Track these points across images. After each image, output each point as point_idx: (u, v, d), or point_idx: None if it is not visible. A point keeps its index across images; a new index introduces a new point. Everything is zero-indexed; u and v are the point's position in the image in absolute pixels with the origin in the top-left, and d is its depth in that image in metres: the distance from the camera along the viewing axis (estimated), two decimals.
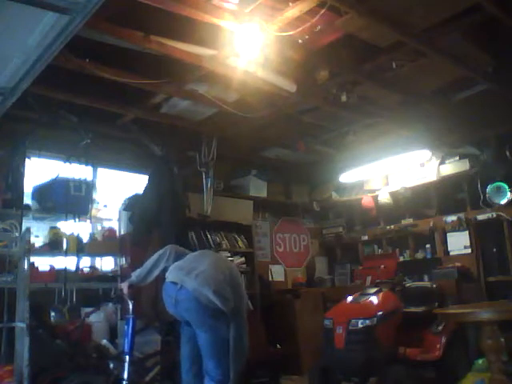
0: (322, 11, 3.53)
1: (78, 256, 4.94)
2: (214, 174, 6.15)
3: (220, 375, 3.09)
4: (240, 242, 6.24)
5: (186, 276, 3.16)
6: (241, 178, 6.92)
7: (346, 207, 7.68)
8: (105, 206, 5.75)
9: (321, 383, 4.32)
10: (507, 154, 5.75)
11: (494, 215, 5.94)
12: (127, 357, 3.29)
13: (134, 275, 3.39)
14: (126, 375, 3.25)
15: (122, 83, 4.34)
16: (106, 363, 3.67)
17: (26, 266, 3.75)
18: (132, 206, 5.39)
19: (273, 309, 6.01)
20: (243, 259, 6.10)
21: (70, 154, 5.05)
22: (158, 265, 3.37)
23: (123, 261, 5.19)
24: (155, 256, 3.41)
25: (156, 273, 3.37)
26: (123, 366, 3.28)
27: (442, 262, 6.26)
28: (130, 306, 3.40)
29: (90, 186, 5.27)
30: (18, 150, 4.91)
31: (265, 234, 7.22)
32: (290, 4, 3.50)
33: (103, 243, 5.25)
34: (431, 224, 6.53)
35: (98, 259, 5.47)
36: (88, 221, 5.39)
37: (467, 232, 6.19)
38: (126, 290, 3.40)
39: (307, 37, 3.93)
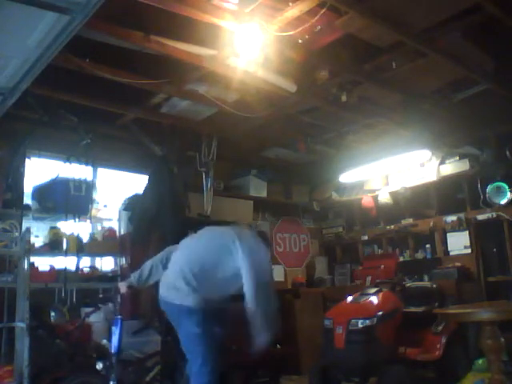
0: (322, 11, 3.53)
1: (78, 256, 4.94)
2: (213, 174, 6.15)
3: (194, 368, 3.12)
4: None
5: (163, 280, 3.31)
6: (241, 178, 6.92)
7: (346, 207, 7.68)
8: (105, 205, 5.74)
9: (321, 383, 4.32)
10: (507, 153, 5.74)
11: (494, 215, 5.94)
12: (114, 358, 3.29)
13: (134, 278, 3.40)
14: (113, 376, 3.25)
15: (122, 83, 4.34)
16: (94, 363, 3.65)
17: (25, 266, 3.75)
18: (132, 206, 5.39)
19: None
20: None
21: (69, 153, 5.05)
22: (158, 269, 3.40)
23: (123, 261, 5.19)
24: (153, 261, 3.44)
25: (156, 277, 3.40)
26: (111, 367, 3.28)
27: (442, 262, 6.26)
28: (117, 307, 3.40)
29: (90, 186, 5.27)
30: (18, 150, 4.92)
31: None
32: (290, 4, 3.51)
33: (103, 243, 5.26)
34: (431, 224, 6.53)
35: (98, 259, 5.47)
36: (88, 221, 5.39)
37: (467, 232, 6.18)
38: (123, 290, 3.40)
39: (307, 37, 3.93)
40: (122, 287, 3.41)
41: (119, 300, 3.41)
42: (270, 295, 3.17)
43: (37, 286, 4.22)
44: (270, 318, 3.12)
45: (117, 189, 5.92)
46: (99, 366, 3.36)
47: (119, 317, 3.36)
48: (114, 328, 3.35)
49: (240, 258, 3.15)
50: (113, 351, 3.32)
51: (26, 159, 5.04)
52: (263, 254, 3.29)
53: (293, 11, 3.52)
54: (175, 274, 3.23)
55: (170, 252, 3.46)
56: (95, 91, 4.63)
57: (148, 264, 3.43)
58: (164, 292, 3.24)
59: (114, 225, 5.57)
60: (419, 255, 6.64)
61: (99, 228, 5.56)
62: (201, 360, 3.09)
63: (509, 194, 5.78)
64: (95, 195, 5.59)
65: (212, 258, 3.25)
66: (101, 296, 4.51)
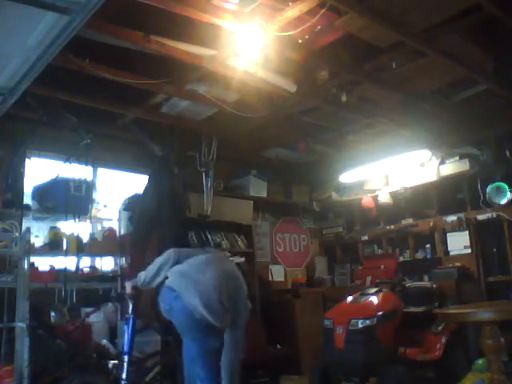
0: (322, 11, 3.53)
1: (77, 256, 4.94)
2: (213, 174, 6.15)
3: (207, 374, 3.11)
4: (240, 242, 6.24)
5: (186, 287, 3.16)
6: (241, 178, 6.92)
7: (345, 207, 7.67)
8: (105, 206, 5.75)
9: (321, 383, 4.33)
10: (507, 153, 5.74)
11: (494, 215, 5.94)
12: (126, 357, 3.29)
13: (139, 279, 3.35)
14: (124, 375, 3.25)
15: (122, 83, 4.34)
16: (105, 363, 3.66)
17: (26, 266, 3.75)
18: (132, 206, 5.39)
19: (273, 309, 6.01)
20: (243, 259, 6.08)
21: (69, 154, 5.05)
22: (162, 271, 3.33)
23: (123, 261, 5.19)
24: (159, 261, 3.36)
25: (160, 279, 3.32)
26: (122, 366, 3.28)
27: (442, 262, 6.26)
28: (130, 306, 3.40)
29: (90, 186, 5.27)
30: (17, 150, 4.91)
31: (265, 234, 7.21)
32: (290, 4, 3.50)
33: (103, 243, 5.25)
34: (431, 224, 6.53)
35: (98, 259, 5.47)
36: (88, 221, 5.40)
37: (467, 232, 6.18)
38: (129, 290, 3.40)
39: (307, 37, 3.93)
40: (128, 287, 3.41)
41: (131, 299, 3.39)
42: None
43: (37, 286, 4.22)
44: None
45: (117, 189, 5.92)
46: (110, 364, 3.36)
47: (131, 316, 3.36)
48: (125, 327, 3.35)
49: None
50: (125, 350, 3.32)
51: (26, 159, 5.04)
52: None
53: (293, 11, 3.52)
54: (214, 297, 3.13)
55: (177, 256, 3.37)
56: (95, 91, 4.63)
57: (153, 268, 3.34)
58: (196, 305, 3.09)
59: (114, 225, 5.56)
60: (419, 255, 6.64)
61: (99, 228, 5.56)
62: (214, 373, 3.13)
63: (509, 193, 5.78)
64: (95, 195, 5.59)
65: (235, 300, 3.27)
66: (113, 295, 4.51)
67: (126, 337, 3.33)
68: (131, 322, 3.34)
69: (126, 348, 3.32)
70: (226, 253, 3.86)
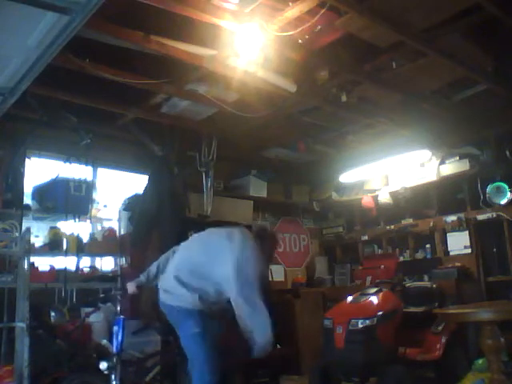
0: (322, 11, 3.54)
1: (77, 256, 4.94)
2: (213, 173, 6.15)
3: (196, 368, 3.10)
4: None
5: (160, 282, 3.32)
6: (241, 178, 6.92)
7: (345, 207, 7.67)
8: (105, 206, 5.75)
9: (321, 383, 4.32)
10: (507, 153, 5.74)
11: (494, 215, 5.94)
12: (116, 358, 3.29)
13: (143, 276, 3.45)
14: (114, 375, 3.25)
15: (122, 83, 4.34)
16: (94, 363, 3.65)
17: (26, 266, 3.75)
18: (132, 206, 5.39)
19: (273, 309, 6.00)
20: None
21: (69, 154, 5.05)
22: (161, 263, 3.45)
23: (123, 261, 5.19)
24: (163, 258, 3.47)
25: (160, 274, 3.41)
26: (113, 367, 3.28)
27: (442, 261, 6.26)
28: (118, 307, 3.40)
29: (90, 186, 5.27)
30: (18, 150, 4.92)
31: None
32: (290, 4, 3.51)
33: (103, 243, 5.25)
34: (431, 224, 6.53)
35: (98, 259, 5.47)
36: (88, 221, 5.40)
37: (467, 232, 6.18)
38: (131, 290, 3.42)
39: (307, 37, 3.93)
40: (131, 287, 3.42)
41: (121, 300, 3.40)
42: (259, 309, 3.16)
43: (37, 286, 4.22)
44: (264, 327, 3.15)
45: (117, 189, 5.92)
46: (103, 365, 3.35)
47: (121, 317, 3.36)
48: (115, 328, 3.35)
49: (231, 278, 3.11)
50: (115, 351, 3.32)
51: (26, 159, 5.05)
52: (252, 268, 3.17)
53: (293, 11, 3.52)
54: (171, 276, 3.23)
55: (174, 252, 3.49)
56: (95, 91, 4.63)
57: (155, 264, 3.48)
58: (162, 294, 3.25)
59: (114, 225, 5.56)
60: (419, 255, 6.65)
61: (99, 228, 5.56)
62: (202, 359, 3.09)
63: (509, 193, 5.77)
64: (95, 195, 5.59)
65: (206, 263, 3.22)
66: (102, 295, 4.51)
67: (116, 338, 3.32)
68: (121, 323, 3.34)
69: (116, 349, 3.31)
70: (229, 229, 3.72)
